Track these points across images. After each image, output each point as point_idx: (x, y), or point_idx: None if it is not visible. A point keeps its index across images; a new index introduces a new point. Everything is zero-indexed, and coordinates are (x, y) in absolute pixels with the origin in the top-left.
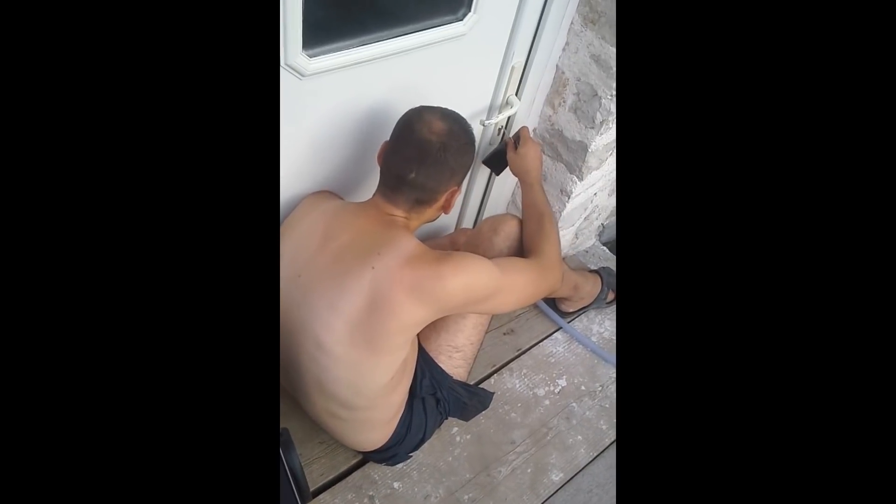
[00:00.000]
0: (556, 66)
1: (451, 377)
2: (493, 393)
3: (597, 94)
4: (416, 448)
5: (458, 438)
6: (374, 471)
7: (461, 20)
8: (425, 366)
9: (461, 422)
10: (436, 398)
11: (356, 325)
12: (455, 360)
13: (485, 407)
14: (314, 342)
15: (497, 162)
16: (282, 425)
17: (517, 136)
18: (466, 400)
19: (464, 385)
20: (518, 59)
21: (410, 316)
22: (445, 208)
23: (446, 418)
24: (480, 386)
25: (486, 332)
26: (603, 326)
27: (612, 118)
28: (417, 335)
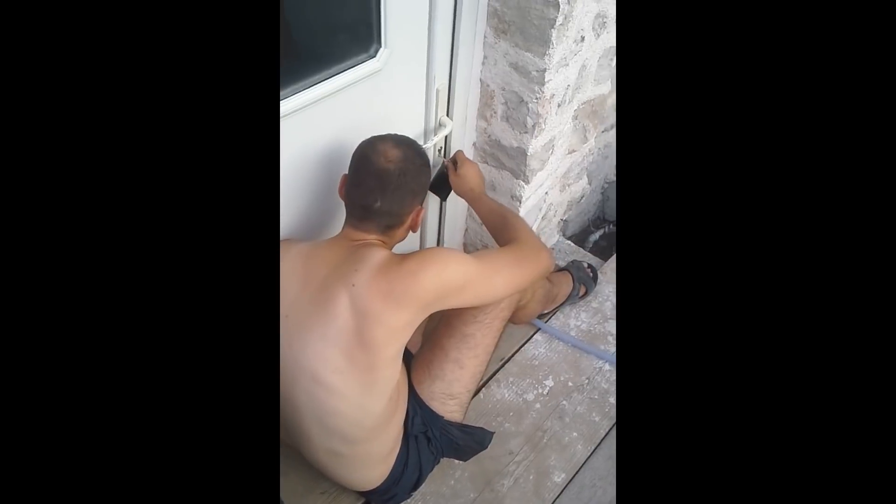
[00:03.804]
0: (480, 80)
1: (443, 418)
2: (492, 433)
3: (523, 101)
4: (414, 488)
5: (456, 461)
6: None
7: (374, 56)
8: (416, 405)
9: None
10: (427, 437)
11: (349, 348)
12: (449, 406)
13: (483, 447)
14: (310, 377)
15: (441, 187)
16: (280, 483)
17: (454, 160)
18: (460, 441)
19: (458, 426)
20: (441, 82)
21: (395, 321)
22: (413, 227)
23: (439, 459)
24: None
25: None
26: (580, 319)
27: (543, 120)
28: (410, 377)
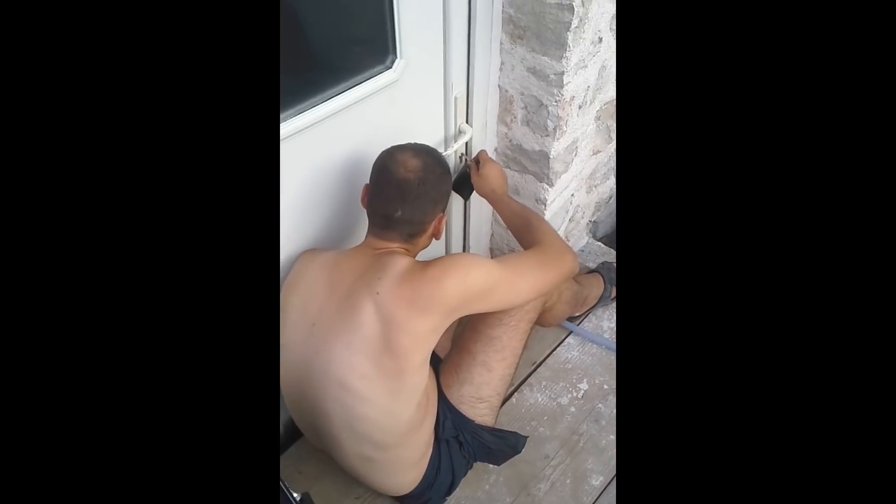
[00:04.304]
0: (498, 86)
1: (474, 422)
2: (525, 436)
3: (542, 104)
4: (448, 493)
5: (491, 465)
6: None
7: (391, 67)
8: (447, 409)
9: None
10: (458, 441)
11: (376, 355)
12: (479, 409)
13: (516, 451)
14: (338, 384)
15: (464, 186)
16: (313, 488)
17: (477, 160)
18: (492, 445)
19: (490, 429)
20: (459, 89)
21: (420, 327)
22: (436, 234)
23: (472, 463)
24: (503, 406)
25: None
26: (612, 321)
27: (564, 122)
28: (439, 382)
